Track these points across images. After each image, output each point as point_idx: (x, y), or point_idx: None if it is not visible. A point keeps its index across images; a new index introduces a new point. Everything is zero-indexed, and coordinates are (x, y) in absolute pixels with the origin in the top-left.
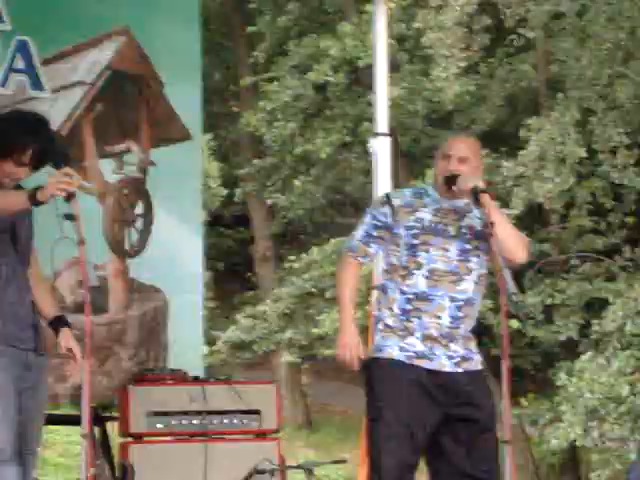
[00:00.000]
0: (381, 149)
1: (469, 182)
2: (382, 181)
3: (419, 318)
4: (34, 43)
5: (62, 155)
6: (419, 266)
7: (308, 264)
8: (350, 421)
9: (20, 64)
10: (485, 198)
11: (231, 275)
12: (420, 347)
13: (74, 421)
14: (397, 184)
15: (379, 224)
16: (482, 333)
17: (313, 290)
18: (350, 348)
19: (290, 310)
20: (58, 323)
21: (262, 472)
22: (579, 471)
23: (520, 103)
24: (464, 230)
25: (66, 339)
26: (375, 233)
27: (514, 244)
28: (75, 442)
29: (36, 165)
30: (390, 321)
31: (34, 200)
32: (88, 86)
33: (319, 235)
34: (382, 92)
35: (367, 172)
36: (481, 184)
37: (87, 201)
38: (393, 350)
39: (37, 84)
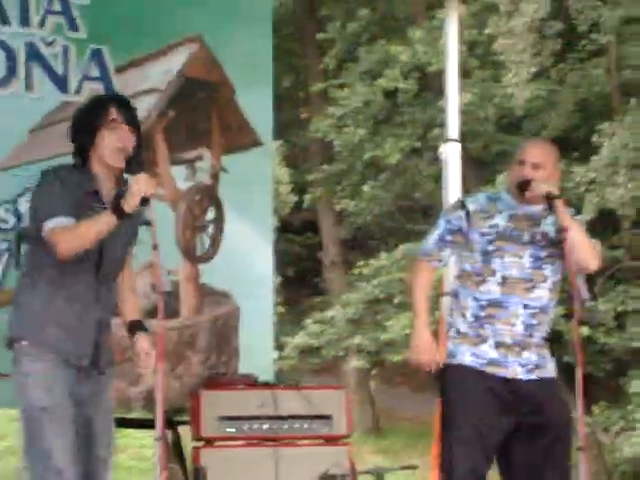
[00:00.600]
0: (452, 155)
1: (542, 188)
2: (452, 187)
3: (492, 325)
4: (107, 51)
5: (137, 161)
6: (493, 273)
7: (377, 270)
8: (418, 427)
9: (94, 72)
10: (558, 204)
11: (300, 281)
12: (493, 354)
13: (147, 425)
14: (466, 190)
15: (454, 229)
16: (553, 340)
17: (382, 296)
18: (424, 351)
19: (359, 316)
20: (136, 327)
21: (333, 477)
22: None
23: (592, 108)
24: (538, 237)
25: (142, 342)
26: (449, 237)
27: (586, 252)
28: (147, 445)
29: (129, 123)
30: (463, 327)
31: (121, 213)
32: (160, 93)
33: (388, 241)
34: (453, 98)
35: (437, 178)
36: (554, 190)
37: (159, 207)
38: (466, 357)
39: (111, 92)
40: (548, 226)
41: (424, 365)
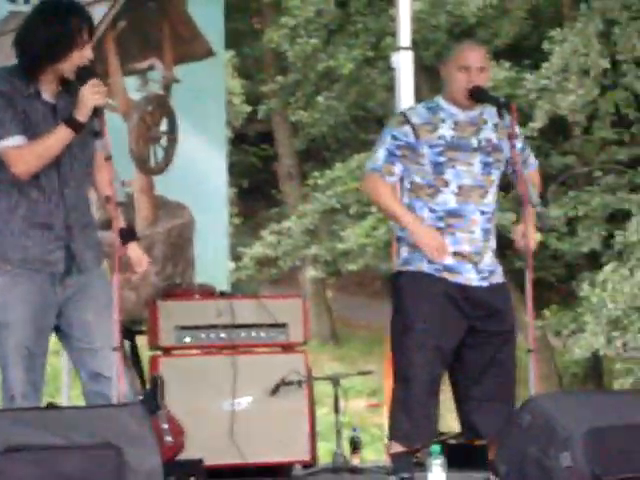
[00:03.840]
0: (404, 64)
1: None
2: (405, 96)
3: (452, 234)
4: None
5: (88, 70)
6: (446, 183)
7: (332, 180)
8: (374, 335)
9: None
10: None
11: (256, 192)
12: (449, 261)
13: None
14: (420, 99)
15: (401, 143)
16: (505, 246)
17: (337, 206)
18: (434, 236)
19: (314, 226)
20: (127, 236)
21: (290, 383)
22: (602, 380)
23: (543, 15)
24: (484, 143)
25: (133, 249)
26: (398, 152)
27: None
28: None
29: (91, 38)
30: None
31: (75, 125)
32: (110, 2)
33: (343, 151)
34: (404, 6)
35: (390, 87)
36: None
37: (112, 119)
38: (422, 263)
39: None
40: (489, 131)
41: (441, 249)
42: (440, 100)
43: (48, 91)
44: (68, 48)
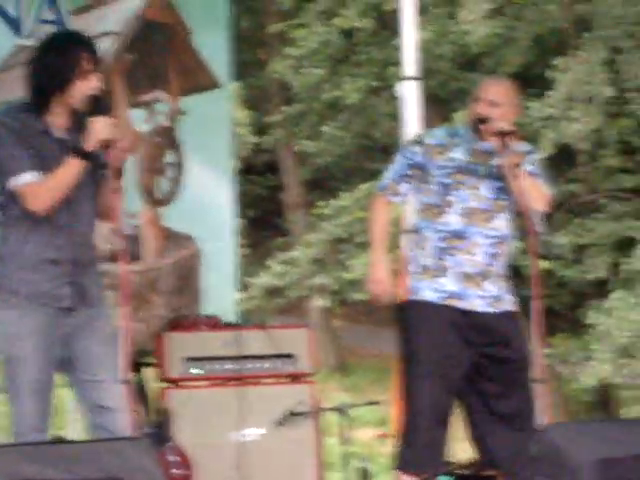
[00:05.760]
0: (409, 93)
1: (495, 125)
2: (410, 125)
3: (453, 256)
4: None
5: (98, 101)
6: (451, 204)
7: (338, 210)
8: (382, 364)
9: (49, 15)
10: (509, 142)
11: (262, 222)
12: (453, 287)
13: None
14: (425, 128)
15: (410, 163)
16: (513, 274)
17: (343, 235)
18: (381, 282)
19: (321, 256)
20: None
21: (297, 414)
22: (609, 408)
23: (547, 44)
24: (494, 169)
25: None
26: (407, 172)
27: (531, 197)
28: None
29: (97, 68)
30: (423, 260)
31: (83, 156)
32: (117, 36)
33: (348, 181)
34: (409, 36)
35: (395, 117)
36: (506, 127)
37: None
38: (426, 292)
39: None
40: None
41: (381, 297)
42: (462, 127)
43: (58, 126)
44: (70, 76)
